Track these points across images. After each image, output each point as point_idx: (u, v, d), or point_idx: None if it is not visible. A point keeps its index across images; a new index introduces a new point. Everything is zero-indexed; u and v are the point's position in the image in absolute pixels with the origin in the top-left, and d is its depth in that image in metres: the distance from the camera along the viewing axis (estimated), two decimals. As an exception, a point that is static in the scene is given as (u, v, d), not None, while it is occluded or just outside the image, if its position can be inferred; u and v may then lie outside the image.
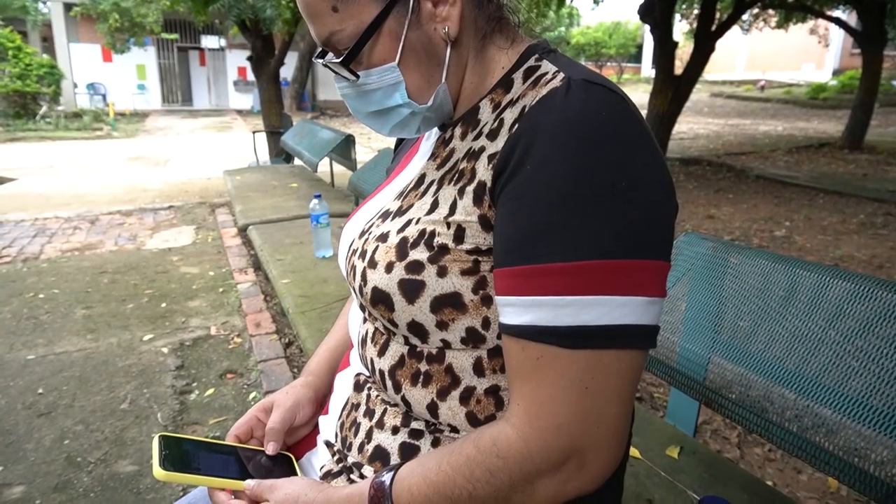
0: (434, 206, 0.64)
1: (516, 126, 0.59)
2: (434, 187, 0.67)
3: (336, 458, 0.76)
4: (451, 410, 0.65)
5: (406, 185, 0.73)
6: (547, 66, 0.63)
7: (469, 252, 0.60)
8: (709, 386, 1.16)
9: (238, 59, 20.12)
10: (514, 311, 0.56)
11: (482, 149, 0.63)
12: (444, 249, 0.61)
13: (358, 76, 0.65)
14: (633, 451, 1.15)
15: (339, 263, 0.78)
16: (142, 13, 15.65)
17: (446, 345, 0.64)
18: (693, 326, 1.24)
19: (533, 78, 0.63)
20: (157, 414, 2.19)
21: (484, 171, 0.61)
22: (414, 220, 0.65)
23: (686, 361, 1.21)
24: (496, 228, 0.59)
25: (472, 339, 0.63)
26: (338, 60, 0.64)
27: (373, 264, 0.64)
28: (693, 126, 13.03)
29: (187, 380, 2.46)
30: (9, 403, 2.25)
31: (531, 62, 0.66)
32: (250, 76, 20.10)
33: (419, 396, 0.66)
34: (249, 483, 0.70)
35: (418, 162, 0.75)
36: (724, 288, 1.21)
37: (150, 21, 16.07)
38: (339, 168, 5.08)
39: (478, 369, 0.64)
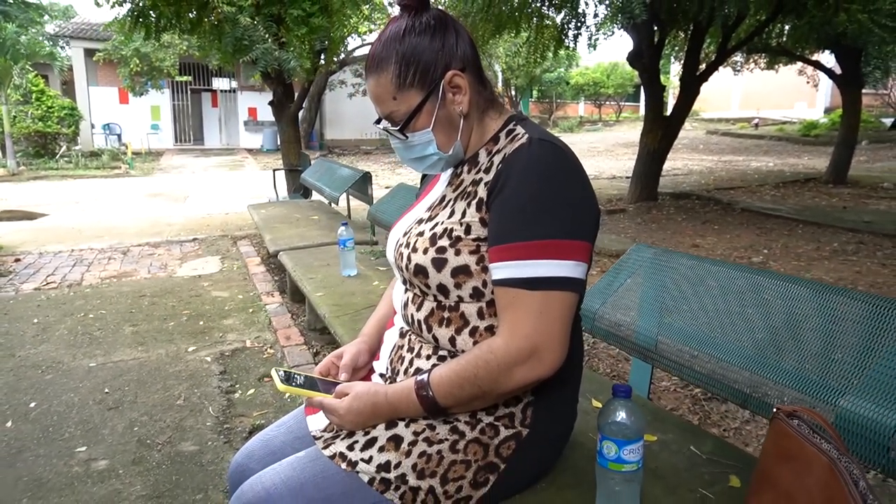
0: (452, 213, 1.06)
1: (500, 165, 1.01)
2: (452, 202, 1.08)
3: (388, 383, 1.16)
4: (464, 341, 1.05)
5: (433, 202, 1.14)
6: (519, 129, 1.06)
7: (474, 240, 1.02)
8: (657, 352, 1.56)
9: (248, 100, 20.89)
10: (499, 270, 0.97)
11: (480, 179, 1.05)
12: (458, 239, 1.02)
13: (407, 137, 1.07)
14: (597, 403, 1.54)
15: (387, 255, 1.19)
16: (160, 57, 16.46)
17: (461, 299, 1.04)
18: (645, 311, 1.64)
19: (511, 137, 1.06)
20: (209, 408, 2.58)
21: (482, 192, 1.02)
22: (440, 223, 1.06)
23: (641, 336, 1.61)
24: (489, 225, 1.00)
25: (477, 295, 1.03)
26: (396, 129, 1.06)
27: (414, 250, 1.06)
28: (688, 162, 13.54)
29: (231, 382, 2.85)
30: (81, 400, 2.64)
31: (510, 126, 1.08)
32: (260, 116, 20.86)
33: (444, 334, 1.06)
34: (338, 388, 1.10)
35: (440, 187, 1.17)
36: (663, 282, 1.62)
37: (168, 65, 16.88)
38: (355, 203, 5.53)
39: (480, 314, 1.04)
